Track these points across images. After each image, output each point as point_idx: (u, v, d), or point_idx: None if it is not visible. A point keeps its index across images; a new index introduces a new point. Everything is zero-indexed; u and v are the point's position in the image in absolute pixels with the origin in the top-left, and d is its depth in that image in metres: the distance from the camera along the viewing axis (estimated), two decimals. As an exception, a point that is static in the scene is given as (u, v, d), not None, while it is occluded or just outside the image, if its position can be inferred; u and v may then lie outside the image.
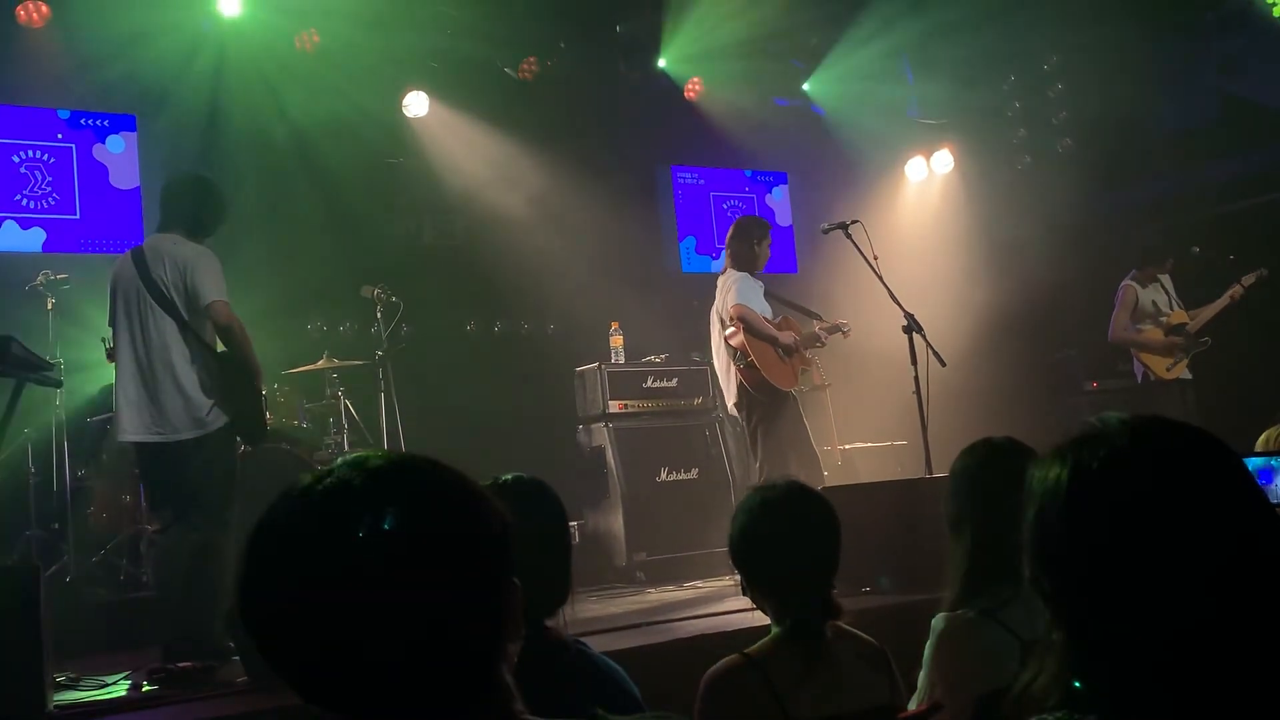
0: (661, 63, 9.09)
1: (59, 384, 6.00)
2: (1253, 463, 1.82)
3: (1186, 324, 7.19)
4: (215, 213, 4.91)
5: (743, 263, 6.30)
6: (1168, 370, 7.15)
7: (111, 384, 5.94)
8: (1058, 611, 1.12)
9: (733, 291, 6.20)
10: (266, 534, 1.03)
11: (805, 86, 9.68)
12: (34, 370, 4.51)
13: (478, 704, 1.04)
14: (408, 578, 0.99)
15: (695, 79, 9.18)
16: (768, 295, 6.37)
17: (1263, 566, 1.03)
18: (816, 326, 6.50)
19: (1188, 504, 1.05)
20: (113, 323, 4.82)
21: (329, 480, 1.04)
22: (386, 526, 0.99)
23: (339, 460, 1.07)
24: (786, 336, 6.21)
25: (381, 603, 0.98)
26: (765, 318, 6.23)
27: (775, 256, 7.52)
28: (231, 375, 4.67)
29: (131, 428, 4.63)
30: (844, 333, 6.48)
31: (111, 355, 4.87)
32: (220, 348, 4.73)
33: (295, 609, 0.99)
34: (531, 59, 8.36)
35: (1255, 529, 1.05)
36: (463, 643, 1.02)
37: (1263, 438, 2.81)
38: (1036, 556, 1.14)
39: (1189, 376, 7.19)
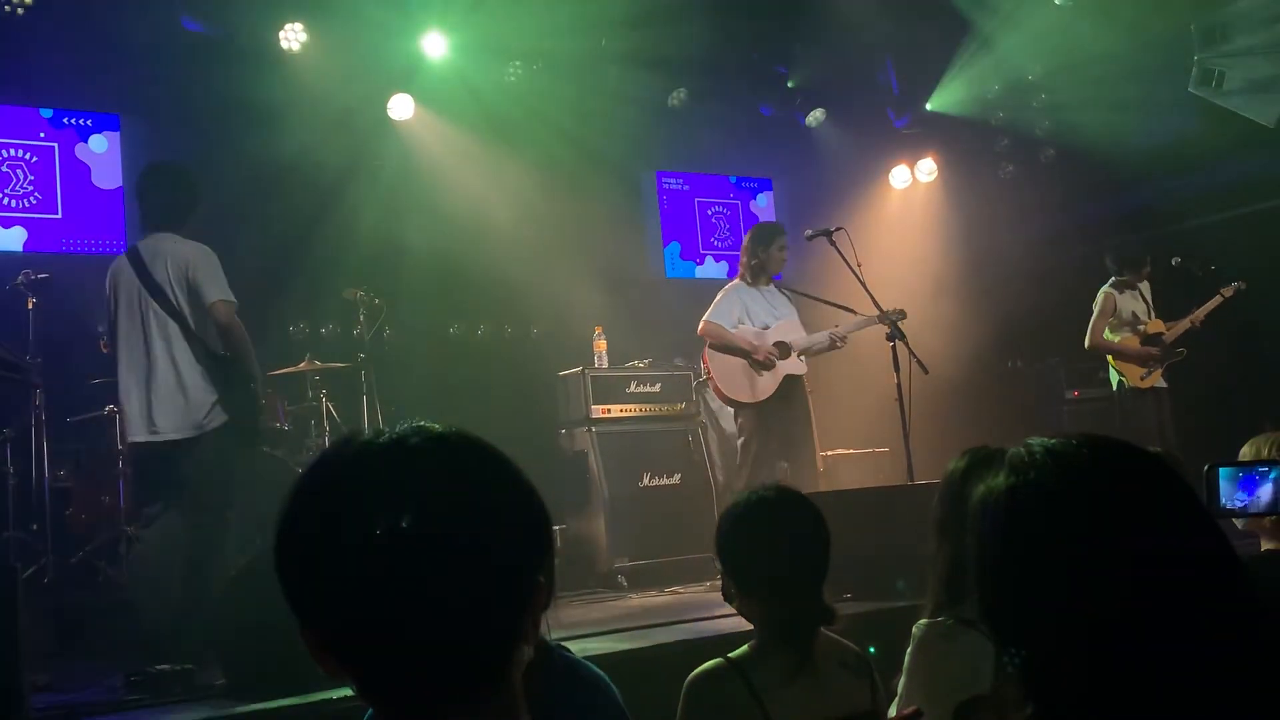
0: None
1: (37, 384, 5.97)
2: (1236, 470, 1.83)
3: (1163, 334, 7.24)
4: (195, 200, 4.90)
5: (743, 273, 6.50)
6: (1142, 379, 7.20)
7: (94, 384, 5.91)
8: (995, 625, 1.15)
9: (711, 308, 6.40)
10: (319, 476, 1.03)
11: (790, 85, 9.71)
12: (10, 369, 4.48)
13: (489, 698, 1.03)
14: (450, 547, 0.98)
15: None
16: (801, 297, 6.50)
17: (1191, 571, 1.05)
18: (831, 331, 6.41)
19: (1119, 513, 1.07)
20: (113, 325, 4.78)
21: (390, 436, 1.04)
22: (438, 490, 0.99)
23: (402, 424, 1.07)
24: (760, 353, 6.22)
25: (416, 564, 0.96)
26: (758, 327, 6.29)
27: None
28: (230, 376, 4.66)
29: (137, 430, 4.63)
30: (836, 345, 6.42)
31: (107, 348, 4.86)
32: (222, 349, 4.71)
33: (330, 556, 0.98)
34: None
35: (1186, 535, 1.07)
36: (486, 627, 1.01)
37: (1248, 446, 2.81)
38: (976, 573, 1.17)
39: (1164, 385, 7.24)
